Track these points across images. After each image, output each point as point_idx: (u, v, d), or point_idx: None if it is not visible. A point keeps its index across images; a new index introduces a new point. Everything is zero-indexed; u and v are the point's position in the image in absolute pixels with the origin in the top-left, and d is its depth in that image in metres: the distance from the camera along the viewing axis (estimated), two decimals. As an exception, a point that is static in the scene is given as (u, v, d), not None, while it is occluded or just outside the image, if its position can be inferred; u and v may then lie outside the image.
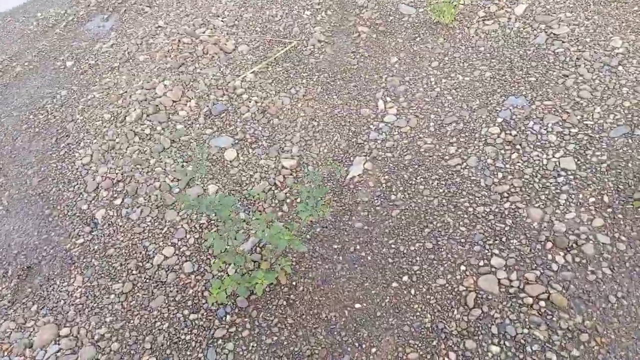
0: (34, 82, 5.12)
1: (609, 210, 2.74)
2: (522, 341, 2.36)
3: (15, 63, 5.46)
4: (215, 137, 3.89)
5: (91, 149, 4.01)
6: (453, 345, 2.43)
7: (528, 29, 3.99)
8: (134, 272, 3.16)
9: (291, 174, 3.51)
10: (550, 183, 2.94)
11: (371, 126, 3.68)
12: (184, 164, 3.74)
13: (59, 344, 2.87)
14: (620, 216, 2.70)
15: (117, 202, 3.60)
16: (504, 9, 4.24)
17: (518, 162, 3.10)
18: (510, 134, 3.27)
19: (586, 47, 3.67)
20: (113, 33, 5.45)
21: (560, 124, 3.23)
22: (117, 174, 3.77)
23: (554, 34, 3.85)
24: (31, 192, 3.90)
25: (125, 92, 4.45)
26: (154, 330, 2.83)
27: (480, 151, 3.25)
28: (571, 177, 2.94)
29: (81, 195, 3.73)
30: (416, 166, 3.30)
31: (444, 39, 4.19)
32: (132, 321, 2.91)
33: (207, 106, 4.15)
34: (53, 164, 4.05)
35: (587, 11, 3.94)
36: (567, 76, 3.52)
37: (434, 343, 2.46)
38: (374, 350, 2.50)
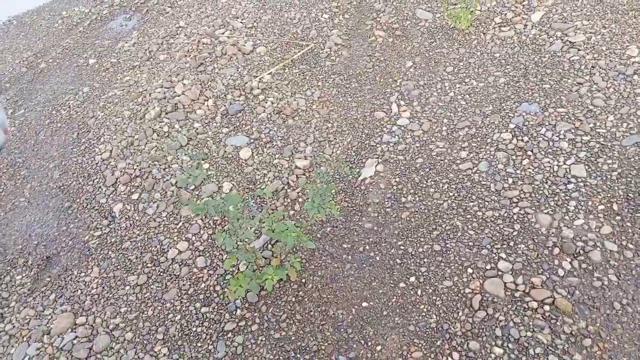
0: (57, 78, 5.28)
1: (618, 218, 2.76)
2: (526, 344, 2.40)
3: (40, 59, 5.64)
4: (231, 136, 3.99)
5: (111, 144, 4.14)
6: (457, 346, 2.48)
7: (544, 36, 4.01)
8: (148, 265, 3.26)
9: (304, 174, 3.59)
10: (560, 190, 2.97)
11: (384, 129, 3.74)
12: (200, 161, 3.84)
13: (75, 332, 2.98)
14: (629, 224, 2.72)
15: (135, 196, 3.71)
16: (520, 15, 4.27)
17: (529, 168, 3.14)
18: (522, 140, 3.31)
19: (602, 55, 3.68)
20: (135, 32, 5.59)
21: (573, 131, 3.26)
22: (135, 169, 3.88)
23: (570, 42, 3.87)
24: (52, 185, 4.03)
25: (145, 90, 4.58)
26: (166, 322, 2.92)
27: (491, 156, 3.29)
28: (581, 184, 2.96)
29: (100, 189, 3.85)
30: (427, 169, 3.35)
31: (460, 45, 4.23)
32: (145, 312, 3.01)
33: (224, 106, 4.25)
34: (74, 158, 4.19)
35: (604, 19, 3.96)
36: (582, 84, 3.54)
37: (438, 343, 2.51)
38: (379, 348, 2.56)
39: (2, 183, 4.19)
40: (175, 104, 4.28)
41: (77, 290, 3.23)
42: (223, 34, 5.02)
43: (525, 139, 3.31)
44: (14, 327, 3.12)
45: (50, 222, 3.74)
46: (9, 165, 4.35)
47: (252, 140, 3.92)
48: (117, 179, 3.86)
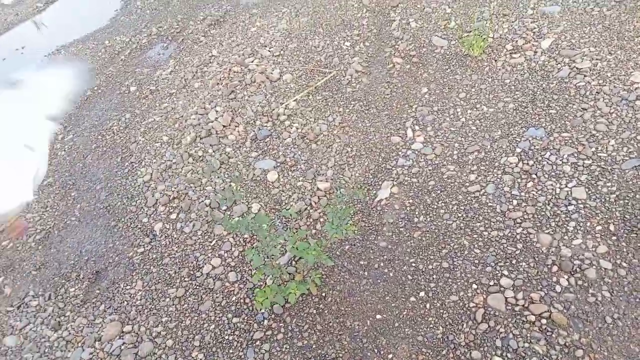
0: (102, 105, 5.76)
1: (614, 238, 2.98)
2: (523, 354, 2.65)
3: (86, 87, 6.14)
4: (260, 160, 4.34)
5: (151, 168, 4.55)
6: (460, 355, 2.74)
7: (552, 63, 4.24)
8: (186, 279, 3.63)
9: (325, 196, 3.91)
10: (561, 211, 3.21)
11: (400, 153, 4.04)
12: (231, 184, 4.20)
13: (122, 339, 3.36)
14: (624, 244, 2.94)
15: (173, 216, 4.10)
16: (530, 42, 4.50)
17: (532, 191, 3.38)
18: (528, 164, 3.55)
19: (606, 81, 3.89)
20: (171, 61, 6.04)
21: (575, 155, 3.49)
22: (173, 191, 4.28)
23: (577, 68, 4.09)
24: (99, 206, 4.46)
25: (182, 116, 4.99)
26: (202, 331, 3.28)
27: (498, 179, 3.54)
28: (581, 206, 3.19)
29: (142, 210, 4.25)
30: (438, 191, 3.63)
31: (472, 71, 4.50)
32: (184, 322, 3.37)
33: (254, 131, 4.62)
34: (118, 180, 4.62)
35: (610, 46, 4.16)
36: (586, 109, 3.76)
37: (444, 352, 2.78)
38: (390, 356, 2.84)
39: (55, 204, 4.65)
40: (209, 129, 4.67)
41: (123, 302, 3.62)
42: (252, 62, 5.40)
43: (531, 162, 3.56)
44: (69, 333, 3.53)
45: (99, 239, 4.16)
46: (61, 186, 4.81)
47: (278, 164, 4.26)
48: (157, 200, 4.26)
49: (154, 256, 3.88)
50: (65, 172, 4.97)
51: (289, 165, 4.24)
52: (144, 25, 7.06)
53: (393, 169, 3.93)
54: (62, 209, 4.58)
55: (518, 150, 3.68)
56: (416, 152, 3.99)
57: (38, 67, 6.88)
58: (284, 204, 3.95)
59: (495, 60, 4.51)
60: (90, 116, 5.64)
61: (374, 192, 3.82)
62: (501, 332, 2.76)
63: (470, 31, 4.89)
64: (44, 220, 4.52)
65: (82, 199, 4.61)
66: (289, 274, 3.40)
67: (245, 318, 3.26)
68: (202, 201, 4.13)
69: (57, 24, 8.17)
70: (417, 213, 3.55)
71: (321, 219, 3.76)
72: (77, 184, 4.78)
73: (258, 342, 3.11)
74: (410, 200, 3.64)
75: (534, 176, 3.47)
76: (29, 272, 4.08)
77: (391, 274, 3.23)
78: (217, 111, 4.85)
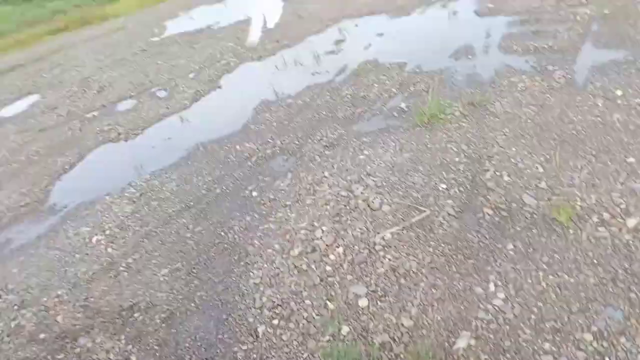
0: (227, 204, 6.52)
1: None
2: None
3: (217, 185, 6.99)
4: (354, 284, 4.73)
5: (262, 272, 5.09)
6: None
7: (637, 244, 4.34)
8: (278, 386, 4.00)
9: (408, 333, 4.18)
10: (631, 402, 3.25)
11: (480, 305, 4.25)
12: (327, 302, 4.61)
13: None
14: None
15: (275, 322, 4.54)
16: (616, 218, 4.64)
17: (604, 374, 3.46)
18: (602, 345, 3.63)
19: (688, 274, 3.94)
20: (289, 174, 6.76)
21: (650, 346, 3.54)
22: (277, 298, 4.75)
23: (660, 254, 4.17)
24: (215, 298, 5.03)
25: (292, 229, 5.56)
26: None
27: (571, 354, 3.64)
28: (651, 401, 3.22)
29: (250, 310, 4.75)
30: (513, 353, 3.78)
31: (558, 237, 4.68)
32: None
33: (352, 255, 5.05)
34: (234, 277, 5.19)
35: (695, 238, 4.22)
36: (665, 300, 3.81)
37: None
38: None
39: (180, 288, 5.29)
40: (314, 246, 5.18)
41: (223, 394, 4.05)
42: (357, 189, 5.94)
43: (605, 344, 3.64)
44: (176, 413, 3.99)
45: (211, 329, 4.68)
46: (186, 273, 5.48)
47: (369, 292, 4.62)
48: (263, 303, 4.75)
49: (254, 356, 4.30)
50: (192, 260, 5.66)
51: (379, 294, 4.58)
52: (269, 136, 7.95)
53: (473, 320, 4.14)
54: (185, 294, 5.20)
55: (594, 328, 3.77)
56: (496, 307, 4.18)
57: (182, 157, 7.94)
58: (370, 332, 4.27)
59: (581, 230, 4.67)
60: (217, 212, 6.40)
61: (453, 339, 4.04)
62: None
63: (560, 195, 5.11)
64: (170, 301, 5.15)
65: (202, 288, 5.21)
66: (369, 404, 3.67)
67: None
68: (301, 313, 4.55)
69: (198, 121, 9.38)
70: (490, 370, 3.72)
71: (401, 355, 4.01)
72: (199, 274, 5.42)
73: None
74: (486, 357, 3.82)
75: (606, 359, 3.54)
76: (152, 347, 4.66)
77: None
78: (322, 230, 5.37)
